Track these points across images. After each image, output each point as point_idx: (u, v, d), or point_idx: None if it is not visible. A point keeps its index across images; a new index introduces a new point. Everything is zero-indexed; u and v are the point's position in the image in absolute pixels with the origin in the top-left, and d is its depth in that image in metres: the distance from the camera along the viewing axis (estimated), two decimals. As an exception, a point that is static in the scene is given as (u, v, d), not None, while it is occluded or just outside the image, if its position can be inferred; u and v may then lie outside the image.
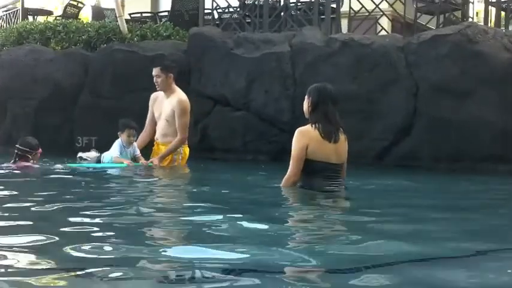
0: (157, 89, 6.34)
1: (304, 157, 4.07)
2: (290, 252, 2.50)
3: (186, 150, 6.43)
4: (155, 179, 5.64)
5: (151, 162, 6.18)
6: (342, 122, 4.19)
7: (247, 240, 2.74)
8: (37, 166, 5.68)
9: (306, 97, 4.23)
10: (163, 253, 2.50)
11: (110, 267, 2.21)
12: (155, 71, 6.27)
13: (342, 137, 4.16)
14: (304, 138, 4.09)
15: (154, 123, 6.52)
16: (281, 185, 4.20)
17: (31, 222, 3.05)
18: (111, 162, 6.02)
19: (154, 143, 6.48)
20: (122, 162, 5.99)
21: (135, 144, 6.27)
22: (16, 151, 5.68)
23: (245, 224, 3.12)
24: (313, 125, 4.10)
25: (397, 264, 2.30)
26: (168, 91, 6.31)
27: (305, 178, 4.15)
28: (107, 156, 6.12)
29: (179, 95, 6.33)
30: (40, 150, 5.75)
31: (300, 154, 4.07)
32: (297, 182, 4.17)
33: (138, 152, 6.25)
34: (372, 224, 3.20)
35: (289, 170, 4.15)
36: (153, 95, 6.54)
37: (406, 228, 3.13)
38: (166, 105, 6.32)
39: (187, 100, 6.32)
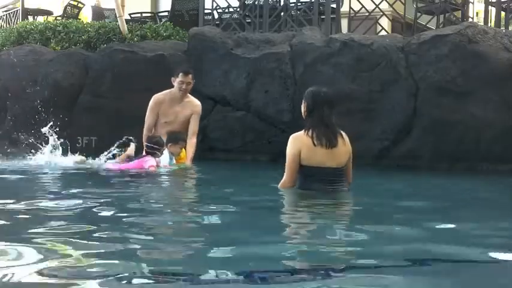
0: (181, 94, 6.54)
1: (298, 163, 4.09)
2: (280, 252, 2.51)
3: None
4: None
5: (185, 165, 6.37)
6: (338, 124, 4.17)
7: (241, 240, 2.75)
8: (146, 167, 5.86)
9: (303, 101, 4.25)
10: (167, 250, 2.53)
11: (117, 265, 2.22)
12: (189, 78, 6.54)
13: (341, 141, 4.12)
14: (296, 144, 4.10)
15: (153, 127, 6.60)
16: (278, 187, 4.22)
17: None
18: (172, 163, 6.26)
19: None
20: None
21: None
22: (146, 148, 6.09)
23: (238, 225, 3.14)
24: (307, 131, 4.10)
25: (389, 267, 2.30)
26: (184, 95, 6.59)
27: (303, 181, 4.16)
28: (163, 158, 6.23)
29: (195, 99, 6.66)
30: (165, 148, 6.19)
31: (294, 160, 4.09)
32: (292, 187, 4.18)
33: (174, 160, 6.39)
34: (367, 225, 3.15)
35: (284, 176, 4.18)
36: (158, 98, 6.62)
37: (400, 229, 3.12)
38: (182, 108, 6.56)
39: None
